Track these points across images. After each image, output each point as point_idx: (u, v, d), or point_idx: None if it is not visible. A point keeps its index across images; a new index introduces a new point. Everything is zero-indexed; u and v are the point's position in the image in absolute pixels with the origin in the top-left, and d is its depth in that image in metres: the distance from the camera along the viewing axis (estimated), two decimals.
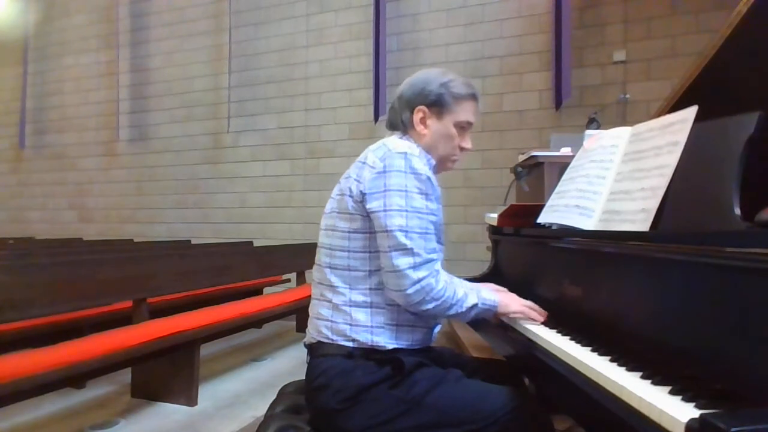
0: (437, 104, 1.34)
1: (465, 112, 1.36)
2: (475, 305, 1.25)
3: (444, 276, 1.22)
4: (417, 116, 1.35)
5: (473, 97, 1.38)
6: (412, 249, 1.16)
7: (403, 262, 1.16)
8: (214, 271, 3.55)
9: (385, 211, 1.19)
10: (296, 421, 1.26)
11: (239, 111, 5.66)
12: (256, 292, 4.68)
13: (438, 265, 1.23)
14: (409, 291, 1.16)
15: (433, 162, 1.36)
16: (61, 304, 2.49)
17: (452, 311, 1.22)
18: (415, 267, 1.16)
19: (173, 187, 6.01)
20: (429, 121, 1.35)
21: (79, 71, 6.63)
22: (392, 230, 1.17)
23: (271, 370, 3.48)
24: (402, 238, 1.16)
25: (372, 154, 1.27)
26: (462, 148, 1.38)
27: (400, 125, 1.37)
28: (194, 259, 3.50)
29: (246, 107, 5.64)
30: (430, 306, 1.19)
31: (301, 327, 4.62)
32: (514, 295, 1.35)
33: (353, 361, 1.20)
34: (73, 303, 2.58)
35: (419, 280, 1.16)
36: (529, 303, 1.33)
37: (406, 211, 1.19)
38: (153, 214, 6.12)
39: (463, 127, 1.37)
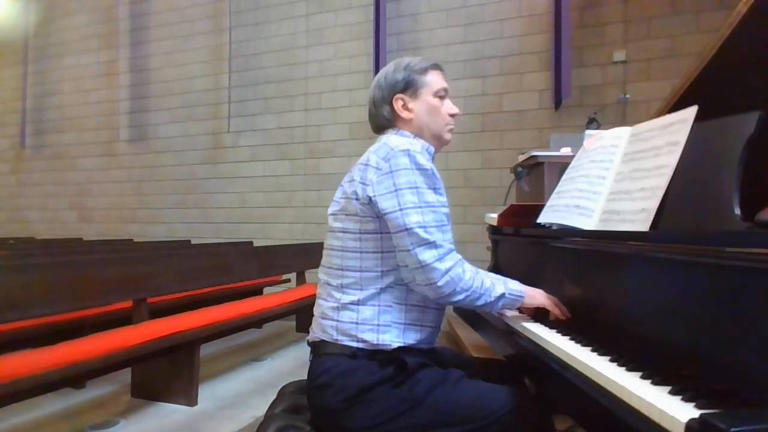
0: (409, 86, 1.36)
1: (436, 81, 1.39)
2: (502, 295, 1.25)
3: (469, 266, 1.23)
4: (398, 105, 1.37)
5: (436, 66, 1.41)
6: (434, 242, 1.17)
7: (428, 255, 1.17)
8: (214, 271, 3.55)
9: (401, 210, 1.19)
10: (296, 421, 1.26)
11: (239, 111, 5.66)
12: (256, 292, 4.68)
13: (459, 256, 1.23)
14: (440, 283, 1.17)
15: (432, 150, 1.38)
16: (61, 304, 2.49)
17: (481, 301, 1.23)
18: (440, 258, 1.17)
19: (173, 187, 6.01)
20: (410, 104, 1.37)
21: (79, 71, 6.63)
22: (411, 227, 1.18)
23: (271, 370, 3.48)
24: (422, 233, 1.17)
25: (374, 155, 1.27)
26: (451, 115, 1.41)
27: (386, 123, 1.40)
28: (194, 259, 3.49)
29: (246, 107, 5.64)
30: (461, 297, 1.20)
31: (301, 327, 4.62)
32: (540, 291, 1.35)
33: (356, 361, 1.20)
34: (73, 303, 2.58)
35: (447, 271, 1.17)
36: (554, 299, 1.33)
37: (420, 207, 1.20)
38: (153, 214, 6.12)
39: (441, 96, 1.39)
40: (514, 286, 1.30)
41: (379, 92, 1.39)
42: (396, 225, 1.20)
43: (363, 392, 1.16)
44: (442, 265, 1.17)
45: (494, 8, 4.63)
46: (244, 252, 4.34)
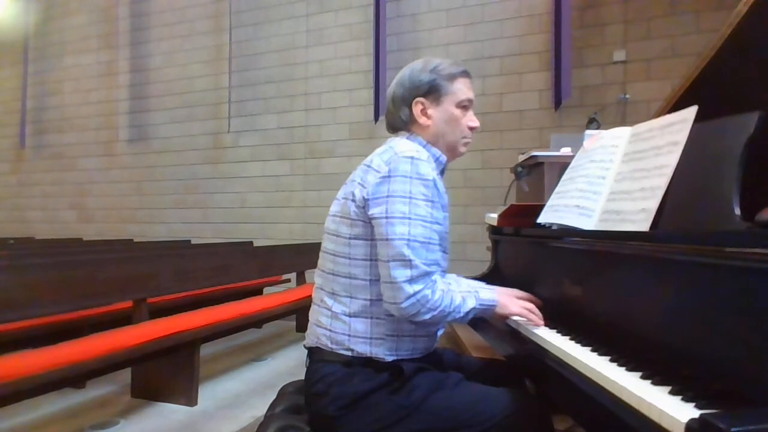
0: (433, 91, 1.30)
1: (462, 91, 1.32)
2: (473, 308, 1.21)
3: (441, 285, 1.18)
4: (417, 109, 1.30)
5: (465, 73, 1.34)
6: (411, 261, 1.12)
7: (400, 274, 1.12)
8: (214, 271, 3.55)
9: (386, 218, 1.14)
10: (296, 421, 1.26)
11: (239, 111, 5.66)
12: (256, 292, 4.68)
13: (436, 276, 1.18)
14: (404, 304, 1.12)
15: (444, 159, 1.33)
16: (61, 304, 2.49)
17: (449, 318, 1.19)
18: (411, 281, 1.12)
19: (173, 187, 6.01)
20: (430, 111, 1.30)
21: (79, 71, 6.63)
22: (393, 239, 1.13)
23: (271, 370, 3.48)
24: (403, 248, 1.12)
25: (378, 157, 1.23)
26: (470, 128, 1.34)
27: (402, 125, 1.34)
28: (194, 259, 3.49)
29: (246, 107, 5.64)
30: (427, 316, 1.15)
31: (301, 327, 4.63)
32: (513, 297, 1.32)
33: (352, 368, 1.18)
34: (73, 303, 2.58)
35: (414, 294, 1.12)
36: (528, 305, 1.30)
37: (409, 218, 1.14)
38: (153, 214, 6.12)
39: (465, 106, 1.33)
40: (486, 296, 1.25)
41: (401, 90, 1.32)
42: (380, 233, 1.15)
43: (360, 399, 1.14)
44: (411, 288, 1.12)
45: (494, 8, 4.63)
46: (244, 252, 4.34)
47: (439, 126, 1.31)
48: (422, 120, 1.31)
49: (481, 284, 1.37)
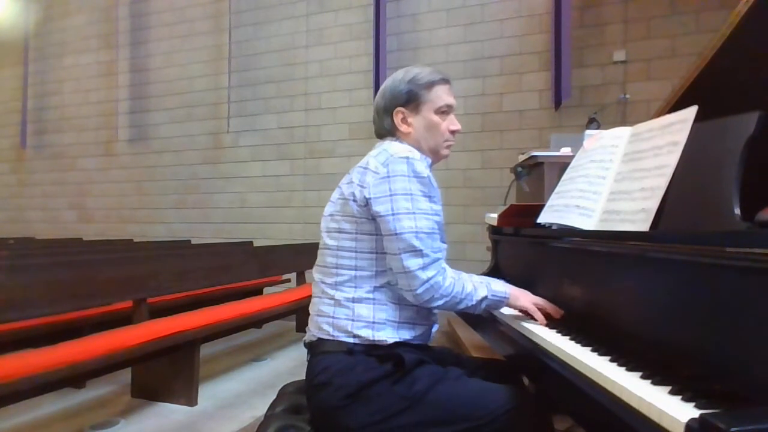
0: (411, 100, 1.37)
1: (440, 97, 1.39)
2: (485, 297, 1.28)
3: (451, 273, 1.26)
4: (397, 118, 1.39)
5: (444, 80, 1.40)
6: (421, 250, 1.21)
7: (413, 263, 1.20)
8: (214, 271, 3.55)
9: (393, 215, 1.22)
10: (296, 421, 1.27)
11: (239, 111, 5.66)
12: (256, 292, 4.68)
13: (445, 265, 1.26)
14: (419, 291, 1.21)
15: (429, 161, 1.39)
16: (61, 304, 2.49)
17: (462, 305, 1.26)
18: (424, 267, 1.21)
19: (173, 187, 6.01)
20: (410, 119, 1.39)
21: (79, 71, 6.63)
22: (402, 233, 1.21)
23: (271, 370, 3.48)
24: (412, 239, 1.21)
25: (374, 159, 1.30)
26: (452, 132, 1.42)
27: (386, 132, 1.42)
28: (194, 259, 3.49)
29: (246, 107, 5.64)
30: (440, 302, 1.24)
31: (301, 327, 4.63)
32: (526, 291, 1.36)
33: (354, 358, 1.21)
34: (73, 303, 2.58)
35: (428, 280, 1.21)
36: (540, 301, 1.33)
37: (414, 213, 1.22)
38: (153, 214, 6.12)
39: (444, 112, 1.40)
40: (498, 288, 1.31)
41: (383, 101, 1.41)
42: (387, 229, 1.23)
43: (362, 389, 1.17)
44: (424, 274, 1.21)
45: (494, 8, 4.63)
46: (244, 252, 4.34)
47: (420, 133, 1.39)
48: (403, 128, 1.40)
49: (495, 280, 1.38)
